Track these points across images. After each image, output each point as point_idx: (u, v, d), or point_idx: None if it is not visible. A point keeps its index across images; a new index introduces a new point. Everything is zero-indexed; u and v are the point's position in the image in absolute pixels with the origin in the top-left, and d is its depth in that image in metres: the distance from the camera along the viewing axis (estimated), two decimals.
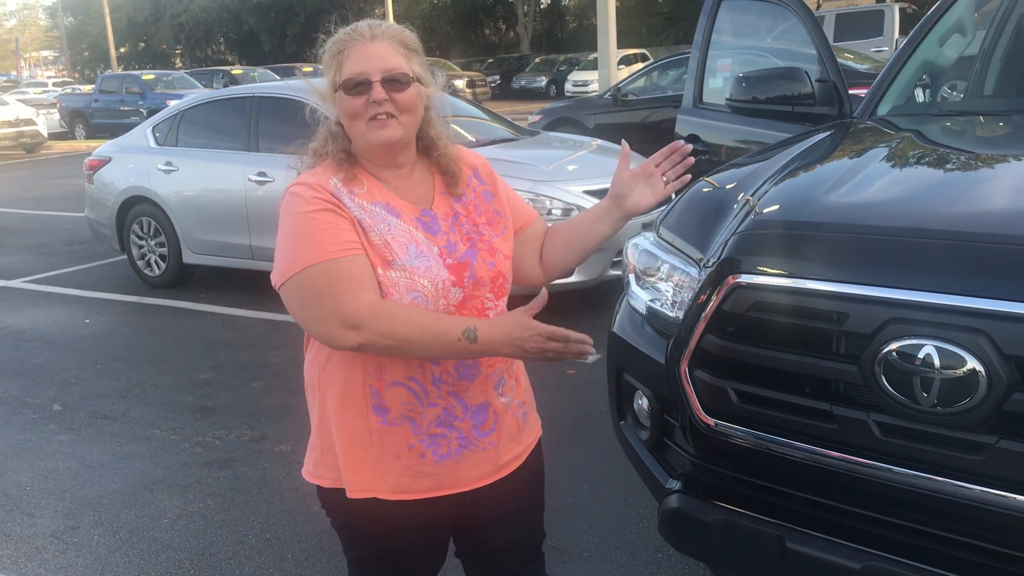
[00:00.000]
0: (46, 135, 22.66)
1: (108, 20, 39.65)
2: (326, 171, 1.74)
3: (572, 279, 5.64)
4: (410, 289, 1.67)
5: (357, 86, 1.68)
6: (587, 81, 28.51)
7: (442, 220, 1.78)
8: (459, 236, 1.78)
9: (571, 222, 2.00)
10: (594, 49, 20.74)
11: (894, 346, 1.76)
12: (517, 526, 1.97)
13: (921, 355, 1.73)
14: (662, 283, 2.42)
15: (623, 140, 2.09)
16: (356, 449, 1.76)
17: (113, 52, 41.11)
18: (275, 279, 1.72)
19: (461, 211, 1.82)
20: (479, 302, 1.77)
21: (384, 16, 30.01)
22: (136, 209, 7.46)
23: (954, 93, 3.87)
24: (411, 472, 1.76)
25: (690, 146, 1.87)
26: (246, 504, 3.68)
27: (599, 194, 5.80)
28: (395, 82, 1.68)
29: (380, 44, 1.70)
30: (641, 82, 12.66)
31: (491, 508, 1.89)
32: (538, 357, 1.63)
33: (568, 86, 30.73)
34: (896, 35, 18.08)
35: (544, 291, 1.70)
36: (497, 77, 37.70)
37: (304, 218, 1.68)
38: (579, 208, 5.65)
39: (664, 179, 1.90)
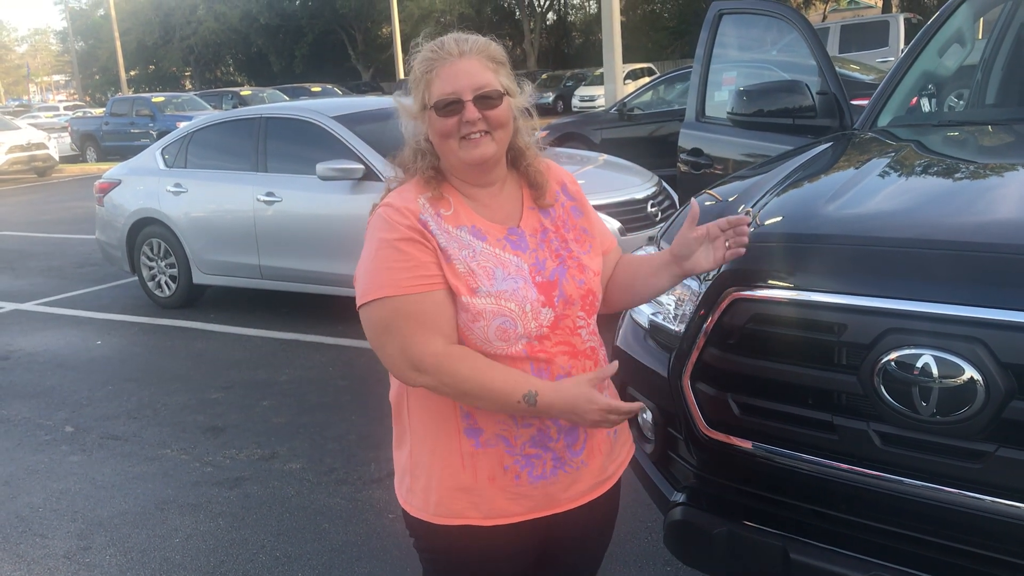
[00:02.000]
0: (57, 158, 22.85)
1: (118, 44, 40.05)
2: (414, 189, 1.72)
3: None
4: (497, 314, 1.65)
5: (449, 106, 1.65)
6: (594, 96, 28.58)
7: (530, 237, 1.75)
8: (548, 253, 1.76)
9: (632, 265, 1.96)
10: (600, 64, 20.82)
11: (893, 356, 1.77)
12: (596, 549, 1.96)
13: (920, 364, 1.74)
14: (664, 296, 2.44)
15: (693, 200, 2.09)
16: (447, 475, 1.72)
17: (123, 75, 41.49)
18: (357, 299, 1.71)
19: (550, 227, 1.79)
20: (571, 321, 1.73)
21: (392, 35, 30.19)
22: (146, 230, 7.53)
23: (957, 103, 3.88)
24: (507, 494, 1.72)
25: (750, 219, 1.85)
26: (256, 523, 3.70)
27: (605, 208, 5.82)
28: (487, 99, 1.66)
29: (469, 61, 1.67)
30: (647, 96, 12.71)
31: (577, 532, 1.85)
32: (592, 426, 1.68)
33: (575, 101, 30.82)
34: (901, 45, 18.08)
35: (615, 363, 1.72)
36: None
37: (386, 245, 1.66)
38: None
39: (726, 244, 1.80)
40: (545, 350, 1.70)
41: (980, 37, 4.01)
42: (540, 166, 1.83)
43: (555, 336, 1.70)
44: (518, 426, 1.71)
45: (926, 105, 3.69)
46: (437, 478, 1.74)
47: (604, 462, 1.84)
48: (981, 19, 4.05)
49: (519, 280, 1.68)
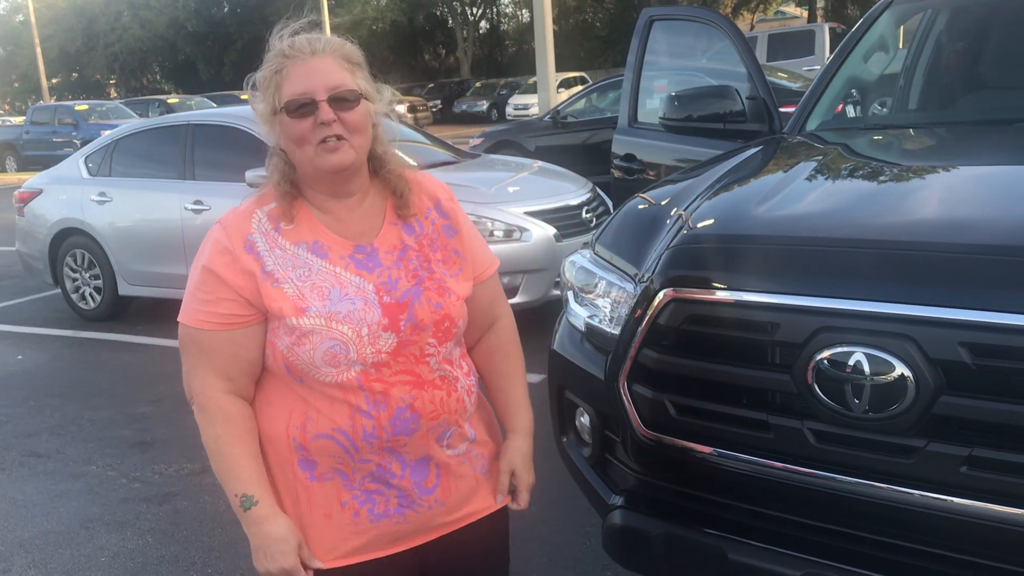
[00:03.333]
0: None
1: (39, 50, 38.82)
2: (256, 203, 1.65)
3: (516, 300, 5.66)
4: (326, 337, 1.54)
5: (301, 107, 1.54)
6: (527, 104, 28.71)
7: (385, 254, 1.64)
8: (404, 272, 1.64)
9: (494, 367, 1.86)
10: (533, 72, 20.93)
11: (825, 354, 1.79)
12: (491, 570, 1.85)
13: (851, 362, 1.76)
14: (600, 299, 2.43)
15: None
16: (284, 508, 1.63)
17: (45, 83, 40.21)
18: None
19: (412, 244, 1.67)
20: (417, 348, 1.61)
21: None
22: (69, 241, 7.30)
23: (881, 109, 3.97)
24: (344, 533, 1.63)
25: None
26: (187, 539, 3.59)
27: (540, 215, 5.84)
28: (343, 100, 1.56)
29: (323, 59, 1.57)
30: (580, 104, 12.79)
31: (455, 563, 1.75)
32: (261, 569, 1.60)
33: (509, 109, 30.92)
34: (827, 54, 18.55)
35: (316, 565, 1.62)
36: (438, 102, 37.81)
37: (200, 269, 1.61)
38: (520, 229, 5.68)
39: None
40: (382, 379, 1.58)
41: (901, 46, 4.12)
42: (402, 172, 1.71)
43: (396, 364, 1.59)
44: (355, 461, 1.60)
45: (852, 110, 3.77)
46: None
47: (465, 499, 1.72)
48: (901, 27, 4.16)
49: (358, 301, 1.57)
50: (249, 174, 6.04)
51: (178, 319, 1.64)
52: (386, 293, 1.60)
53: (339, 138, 1.55)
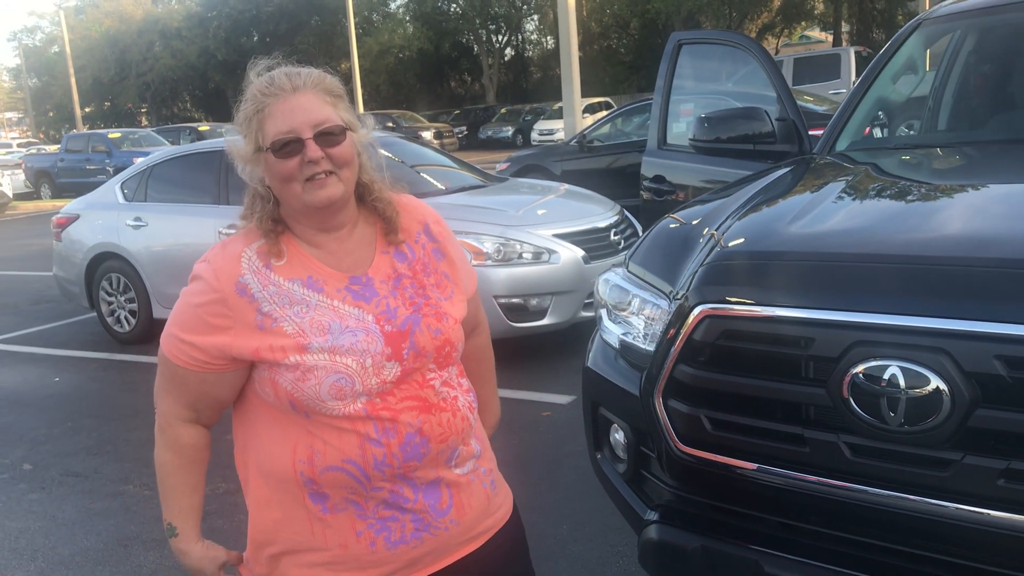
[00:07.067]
0: (11, 195, 22.54)
1: (73, 80, 39.71)
2: (244, 240, 1.62)
3: (545, 321, 5.69)
4: (331, 371, 1.53)
5: (287, 146, 1.52)
6: (553, 130, 28.83)
7: (380, 284, 1.63)
8: (401, 300, 1.63)
9: (471, 370, 1.86)
10: (558, 98, 21.06)
11: (860, 368, 1.81)
12: None
13: (886, 376, 1.78)
14: (633, 317, 2.46)
15: None
16: (295, 545, 1.62)
17: (78, 111, 41.09)
18: None
19: (406, 272, 1.67)
20: (420, 376, 1.61)
21: (351, 71, 30.28)
22: (105, 265, 7.43)
23: (908, 132, 3.99)
24: (360, 563, 1.60)
25: None
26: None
27: (568, 237, 5.87)
28: (328, 135, 1.54)
29: (304, 96, 1.55)
30: (606, 128, 12.85)
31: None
32: None
33: (534, 135, 31.05)
34: (853, 77, 18.55)
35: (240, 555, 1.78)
36: (464, 128, 38.06)
37: (187, 306, 1.60)
38: (549, 251, 5.72)
39: None
40: (389, 407, 1.57)
41: (928, 68, 4.14)
42: (389, 197, 1.69)
43: (400, 391, 1.58)
44: (367, 490, 1.58)
45: (881, 131, 3.79)
46: (286, 549, 1.64)
47: (479, 516, 1.71)
48: (928, 50, 4.18)
49: (359, 333, 1.56)
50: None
51: (160, 341, 1.66)
52: (387, 322, 1.59)
53: (328, 173, 1.54)
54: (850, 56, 19.29)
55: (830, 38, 40.29)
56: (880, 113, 3.81)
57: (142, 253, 7.15)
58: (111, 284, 7.43)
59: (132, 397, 6.02)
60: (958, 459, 1.74)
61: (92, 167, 22.99)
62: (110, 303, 7.50)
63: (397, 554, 1.61)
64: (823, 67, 19.20)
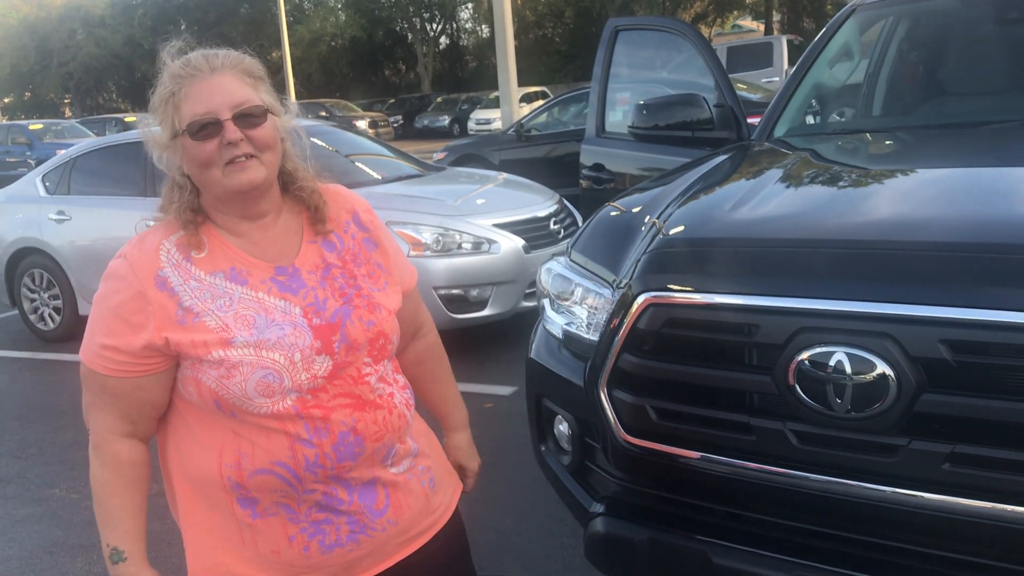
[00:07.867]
0: None
1: None
2: (161, 233, 1.54)
3: (485, 312, 5.63)
4: (257, 367, 1.46)
5: (204, 128, 1.46)
6: (489, 119, 28.77)
7: (308, 274, 1.57)
8: (331, 291, 1.57)
9: (426, 372, 1.91)
10: (495, 87, 21.03)
11: (806, 355, 1.79)
12: None
13: (832, 362, 1.76)
14: (576, 306, 2.42)
15: None
16: (222, 553, 1.56)
17: None
18: None
19: (335, 262, 1.61)
20: (354, 370, 1.55)
21: (282, 59, 29.78)
22: (27, 261, 7.15)
23: (845, 115, 4.03)
24: (295, 569, 1.54)
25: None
26: (155, 560, 3.47)
27: (508, 227, 5.82)
28: (249, 117, 1.48)
29: (222, 76, 1.49)
30: (543, 118, 12.84)
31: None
32: None
33: (471, 124, 30.95)
34: (785, 66, 18.86)
35: None
36: (399, 117, 37.73)
37: (102, 309, 1.52)
38: (489, 241, 5.66)
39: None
40: (321, 405, 1.51)
41: (863, 55, 4.19)
42: (315, 186, 1.63)
43: (333, 388, 1.52)
44: (299, 492, 1.52)
45: (818, 116, 3.81)
46: (213, 558, 1.58)
47: (417, 516, 1.66)
48: (862, 37, 4.23)
49: (286, 326, 1.49)
50: None
51: (80, 356, 1.56)
52: (315, 315, 1.53)
53: (248, 156, 1.48)
54: (782, 45, 19.60)
55: (762, 27, 40.96)
56: (813, 101, 3.84)
57: (66, 248, 6.90)
58: (33, 280, 7.16)
59: (57, 397, 5.80)
60: (904, 444, 1.74)
61: (12, 159, 22.19)
62: (33, 300, 7.22)
63: (332, 558, 1.55)
64: (756, 56, 19.47)
